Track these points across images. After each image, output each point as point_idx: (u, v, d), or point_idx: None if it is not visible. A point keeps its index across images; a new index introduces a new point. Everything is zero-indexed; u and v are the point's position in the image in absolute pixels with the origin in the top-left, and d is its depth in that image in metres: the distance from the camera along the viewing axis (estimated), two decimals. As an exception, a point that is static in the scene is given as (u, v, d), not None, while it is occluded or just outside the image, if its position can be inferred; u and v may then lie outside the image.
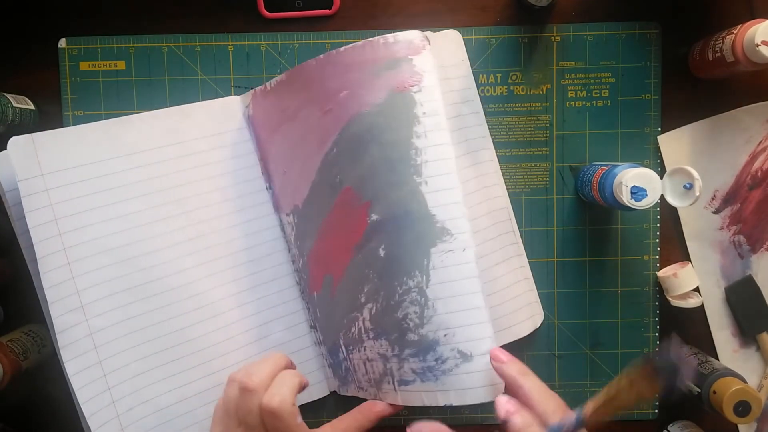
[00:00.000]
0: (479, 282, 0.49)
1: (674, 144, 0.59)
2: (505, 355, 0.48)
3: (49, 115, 0.59)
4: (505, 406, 0.44)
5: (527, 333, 0.58)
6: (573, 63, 0.59)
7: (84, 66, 0.59)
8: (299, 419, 0.46)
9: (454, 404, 0.50)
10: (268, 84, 0.55)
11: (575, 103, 0.59)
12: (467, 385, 0.49)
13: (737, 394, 0.51)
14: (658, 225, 0.60)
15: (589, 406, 0.43)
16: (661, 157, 0.59)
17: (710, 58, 0.55)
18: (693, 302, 0.57)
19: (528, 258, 0.59)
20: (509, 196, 0.58)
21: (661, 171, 0.59)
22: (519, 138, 0.59)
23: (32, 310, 0.58)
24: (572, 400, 0.60)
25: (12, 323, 0.58)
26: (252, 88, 0.57)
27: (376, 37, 0.50)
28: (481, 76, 0.59)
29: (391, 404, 0.54)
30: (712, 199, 0.60)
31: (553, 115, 0.59)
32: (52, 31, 0.58)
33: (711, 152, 0.59)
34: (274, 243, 0.57)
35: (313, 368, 0.58)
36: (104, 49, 0.58)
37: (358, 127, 0.51)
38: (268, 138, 0.56)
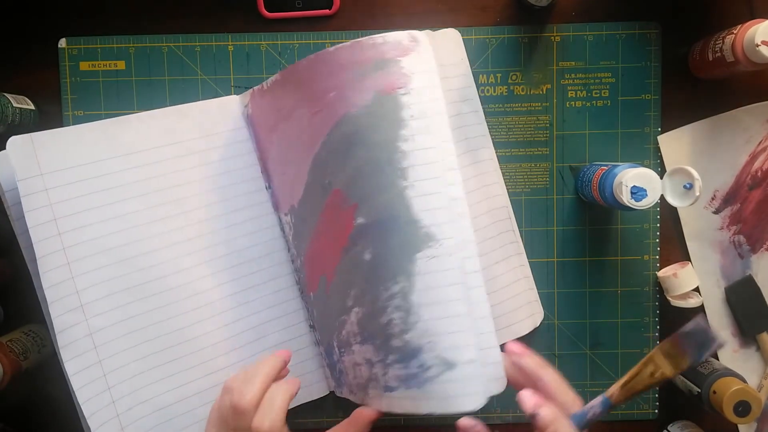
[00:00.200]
0: (463, 289, 0.49)
1: (674, 144, 0.59)
2: (521, 348, 0.49)
3: (49, 115, 0.59)
4: (531, 399, 0.44)
5: (527, 332, 0.58)
6: (573, 63, 0.59)
7: (84, 66, 0.59)
8: None
9: (436, 413, 0.49)
10: (264, 83, 0.55)
11: (575, 103, 0.59)
12: (450, 394, 0.49)
13: (737, 394, 0.51)
14: (658, 225, 0.60)
15: (613, 388, 0.44)
16: (661, 157, 0.59)
17: (710, 58, 0.55)
18: (693, 302, 0.57)
19: (528, 258, 0.59)
20: (509, 196, 0.58)
21: (661, 171, 0.59)
22: (519, 138, 0.59)
23: (32, 310, 0.58)
24: (572, 400, 0.60)
25: (12, 323, 0.58)
26: (251, 88, 0.57)
27: (364, 38, 0.49)
28: (481, 76, 0.59)
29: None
30: (712, 199, 0.60)
31: (553, 115, 0.59)
32: (52, 31, 0.58)
33: (711, 152, 0.59)
34: (273, 242, 0.57)
35: (313, 368, 0.58)
36: (104, 49, 0.58)
37: (345, 129, 0.50)
38: (266, 137, 0.56)
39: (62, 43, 0.58)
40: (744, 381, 0.53)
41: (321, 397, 0.59)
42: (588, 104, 0.59)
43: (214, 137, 0.56)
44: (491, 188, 0.57)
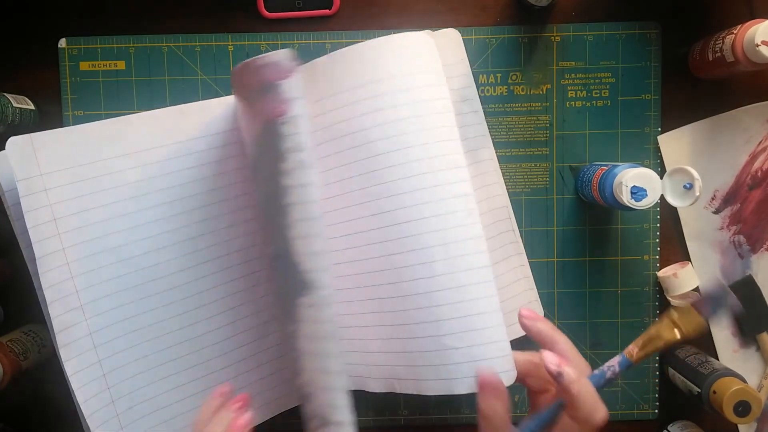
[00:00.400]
0: (338, 344, 0.47)
1: (674, 144, 0.59)
2: (534, 314, 0.48)
3: (49, 115, 0.59)
4: (555, 359, 0.44)
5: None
6: (573, 63, 0.59)
7: (84, 66, 0.59)
8: None
9: None
10: None
11: (575, 103, 0.59)
12: None
13: (737, 394, 0.51)
14: (658, 225, 0.60)
15: (632, 347, 0.45)
16: (661, 157, 0.59)
17: (710, 58, 0.55)
18: (693, 302, 0.57)
19: (528, 258, 0.59)
20: (509, 196, 0.58)
21: (661, 171, 0.59)
22: (519, 138, 0.59)
23: (32, 310, 0.58)
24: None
25: (12, 323, 0.58)
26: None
27: (251, 59, 0.46)
28: (481, 76, 0.59)
29: None
30: (712, 199, 0.60)
31: (553, 115, 0.59)
32: (52, 31, 0.58)
33: (711, 152, 0.59)
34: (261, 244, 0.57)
35: None
36: (104, 49, 0.58)
37: (250, 156, 0.50)
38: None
39: (62, 43, 0.58)
40: (744, 381, 0.53)
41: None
42: (588, 104, 0.59)
43: (214, 137, 0.56)
44: (491, 188, 0.57)
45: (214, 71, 0.59)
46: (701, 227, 0.60)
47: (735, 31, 0.52)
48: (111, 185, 0.52)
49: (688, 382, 0.56)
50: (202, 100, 0.57)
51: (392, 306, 0.51)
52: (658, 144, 0.59)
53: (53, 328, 0.50)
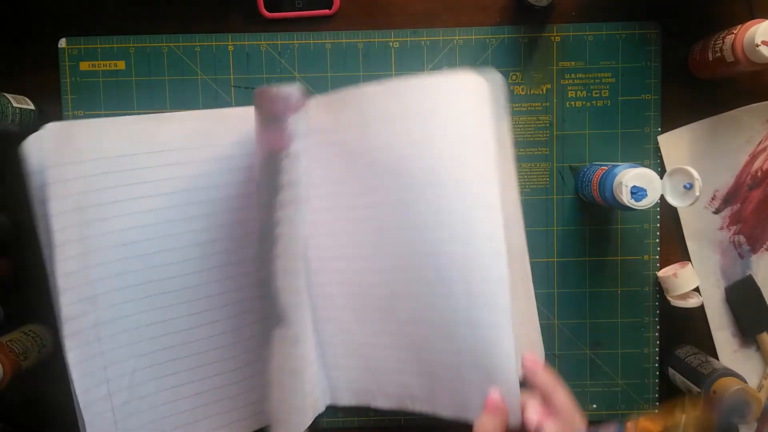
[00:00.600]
0: (304, 379, 0.49)
1: (674, 144, 0.59)
2: (538, 365, 0.49)
3: (49, 115, 0.59)
4: (537, 413, 0.45)
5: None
6: (573, 63, 0.59)
7: (84, 66, 0.59)
8: None
9: None
10: None
11: (575, 103, 0.59)
12: None
13: (737, 394, 0.51)
14: (658, 225, 0.60)
15: (632, 424, 0.45)
16: (661, 157, 0.59)
17: (710, 58, 0.55)
18: (693, 302, 0.57)
19: (528, 258, 0.59)
20: (509, 196, 0.58)
21: (661, 171, 0.59)
22: (519, 138, 0.59)
23: (32, 310, 0.58)
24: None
25: (12, 323, 0.58)
26: (252, 88, 0.58)
27: (266, 87, 0.47)
28: (481, 76, 0.59)
29: None
30: (712, 199, 0.60)
31: (553, 115, 0.59)
32: (52, 31, 0.58)
33: (711, 152, 0.59)
34: None
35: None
36: (104, 49, 0.59)
37: (256, 178, 0.51)
38: None
39: (62, 43, 0.58)
40: (744, 381, 0.53)
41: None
42: (588, 104, 0.59)
43: (246, 144, 0.56)
44: (510, 230, 0.56)
45: (214, 71, 0.59)
46: (701, 227, 0.60)
47: (735, 31, 0.52)
48: (139, 180, 0.52)
49: (688, 382, 0.56)
50: (202, 100, 0.58)
51: (412, 330, 0.52)
52: (658, 144, 0.59)
53: (62, 316, 0.49)
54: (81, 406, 0.50)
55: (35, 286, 0.59)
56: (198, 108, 0.58)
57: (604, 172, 0.53)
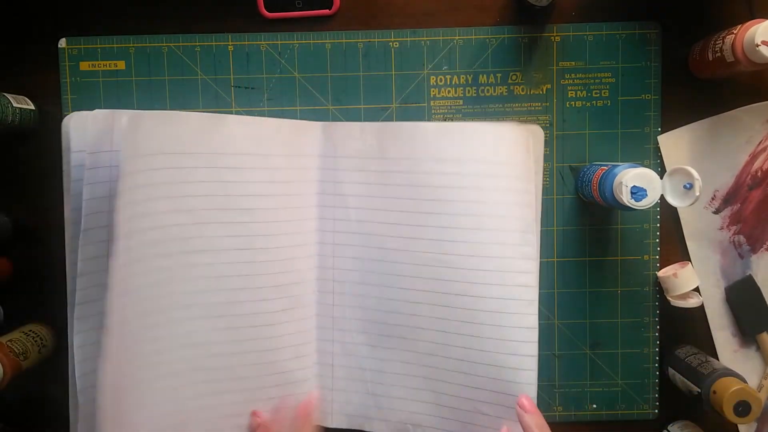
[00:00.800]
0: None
1: (674, 144, 0.59)
2: (531, 406, 0.51)
3: (49, 115, 0.59)
4: None
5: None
6: (573, 63, 0.59)
7: (84, 66, 0.59)
8: None
9: None
10: None
11: (575, 103, 0.59)
12: None
13: (737, 394, 0.51)
14: (658, 225, 0.60)
15: None
16: (661, 157, 0.59)
17: (710, 58, 0.55)
18: (693, 302, 0.57)
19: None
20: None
21: (661, 171, 0.59)
22: (519, 138, 0.59)
23: (32, 310, 0.58)
24: (572, 400, 0.60)
25: (12, 323, 0.58)
26: (252, 88, 0.58)
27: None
28: (481, 76, 0.59)
29: None
30: (712, 199, 0.60)
31: (553, 115, 0.59)
32: (52, 31, 0.58)
33: (711, 152, 0.59)
34: (304, 273, 0.57)
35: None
36: (104, 49, 0.58)
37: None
38: None
39: (62, 43, 0.58)
40: (744, 381, 0.53)
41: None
42: (588, 104, 0.59)
43: (295, 158, 0.56)
44: (526, 292, 0.57)
45: (214, 71, 0.59)
46: (701, 227, 0.60)
47: (735, 31, 0.52)
48: (180, 179, 0.52)
49: (688, 382, 0.56)
50: (202, 100, 0.58)
51: (431, 362, 0.55)
52: (658, 144, 0.59)
53: (75, 299, 0.51)
54: (78, 389, 0.51)
55: (35, 286, 0.59)
56: (198, 108, 0.58)
57: (604, 172, 0.53)
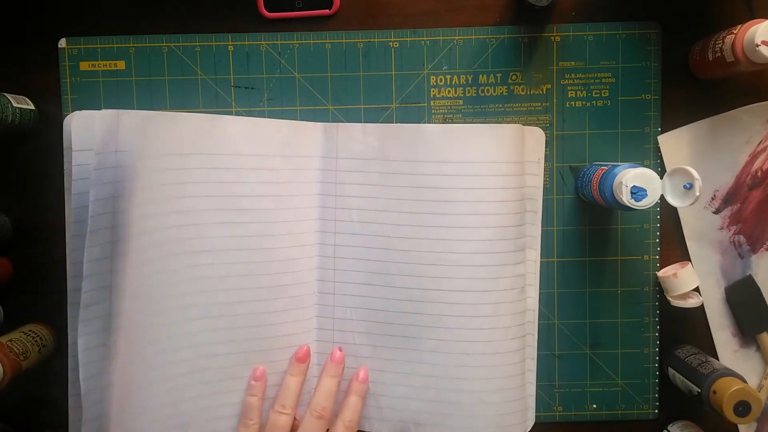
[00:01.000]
0: None
1: (674, 144, 0.59)
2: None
3: (49, 115, 0.59)
4: None
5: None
6: (573, 63, 0.59)
7: (84, 66, 0.59)
8: None
9: None
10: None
11: (575, 103, 0.59)
12: None
13: (737, 394, 0.51)
14: (658, 225, 0.60)
15: None
16: (661, 157, 0.59)
17: (710, 58, 0.55)
18: (693, 302, 0.57)
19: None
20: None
21: (661, 171, 0.59)
22: (519, 138, 0.59)
23: (32, 310, 0.58)
24: (572, 400, 0.60)
25: (12, 323, 0.58)
26: (252, 88, 0.58)
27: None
28: (481, 76, 0.59)
29: None
30: (712, 199, 0.60)
31: (553, 115, 0.59)
32: (52, 31, 0.58)
33: (711, 152, 0.59)
34: (304, 278, 0.57)
35: None
36: (104, 49, 0.58)
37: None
38: None
39: (62, 43, 0.58)
40: (744, 381, 0.53)
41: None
42: (588, 104, 0.59)
43: (296, 159, 0.56)
44: (526, 290, 0.58)
45: (214, 71, 0.59)
46: (701, 227, 0.60)
47: (735, 31, 0.52)
48: (181, 180, 0.52)
49: (688, 382, 0.56)
50: (203, 100, 0.58)
51: (435, 359, 0.56)
52: (658, 144, 0.59)
53: (81, 302, 0.50)
54: (82, 393, 0.50)
55: (35, 286, 0.59)
56: (198, 108, 0.58)
57: (604, 172, 0.53)
